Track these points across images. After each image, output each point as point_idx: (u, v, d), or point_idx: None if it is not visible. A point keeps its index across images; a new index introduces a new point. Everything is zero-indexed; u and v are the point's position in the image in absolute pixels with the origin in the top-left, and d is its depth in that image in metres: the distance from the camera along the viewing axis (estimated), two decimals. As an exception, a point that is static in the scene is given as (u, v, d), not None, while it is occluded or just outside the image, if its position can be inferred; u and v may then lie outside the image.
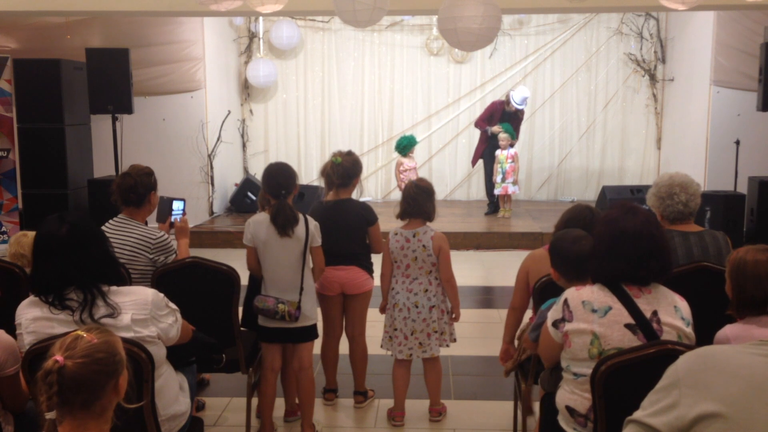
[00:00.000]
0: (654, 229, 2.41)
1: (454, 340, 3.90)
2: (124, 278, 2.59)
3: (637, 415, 1.52)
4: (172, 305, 2.59)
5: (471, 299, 6.31)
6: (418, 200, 3.75)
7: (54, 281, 2.42)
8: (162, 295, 2.53)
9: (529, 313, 3.53)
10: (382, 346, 3.94)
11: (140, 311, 2.42)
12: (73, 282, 2.41)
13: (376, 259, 4.01)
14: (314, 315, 3.65)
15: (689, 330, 2.37)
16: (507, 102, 9.09)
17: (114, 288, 2.45)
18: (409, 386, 3.93)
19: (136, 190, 3.59)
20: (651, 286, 2.40)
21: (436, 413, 3.91)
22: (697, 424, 1.40)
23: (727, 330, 2.55)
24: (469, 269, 7.24)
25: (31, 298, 2.49)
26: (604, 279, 2.42)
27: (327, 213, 3.91)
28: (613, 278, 2.40)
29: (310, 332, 3.64)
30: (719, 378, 1.42)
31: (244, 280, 3.69)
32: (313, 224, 3.58)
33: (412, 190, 3.78)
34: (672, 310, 2.36)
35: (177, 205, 3.93)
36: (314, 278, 3.67)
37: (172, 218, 3.90)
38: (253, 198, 9.26)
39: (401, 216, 3.83)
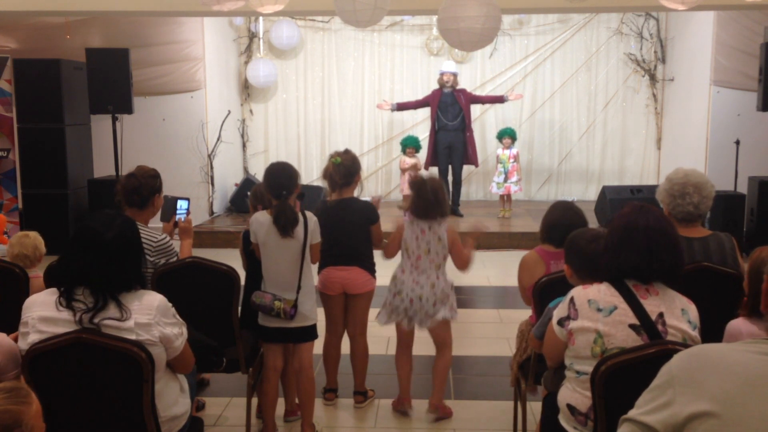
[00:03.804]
0: (667, 225, 2.41)
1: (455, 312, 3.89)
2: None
3: (632, 413, 1.52)
4: (180, 320, 2.55)
5: (471, 299, 6.31)
6: (438, 198, 3.73)
7: (72, 275, 2.40)
8: (170, 304, 2.50)
9: (529, 313, 3.53)
10: (377, 318, 3.90)
11: (144, 315, 2.41)
12: (87, 284, 2.39)
13: (379, 260, 4.02)
14: (314, 315, 3.64)
15: (695, 333, 2.35)
16: (439, 81, 9.04)
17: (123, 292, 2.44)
18: (411, 383, 3.93)
19: (140, 191, 3.58)
20: (659, 288, 2.38)
21: (435, 408, 3.86)
22: (691, 421, 1.40)
23: (741, 325, 2.54)
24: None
25: (37, 295, 2.47)
26: (615, 274, 2.41)
27: (331, 212, 3.92)
28: (623, 272, 2.39)
29: (309, 332, 3.64)
30: (713, 376, 1.42)
31: (243, 280, 3.70)
32: (313, 221, 3.58)
33: (428, 188, 3.73)
34: (679, 313, 2.35)
35: (181, 205, 3.92)
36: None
37: (177, 217, 3.89)
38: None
39: (420, 215, 3.77)
